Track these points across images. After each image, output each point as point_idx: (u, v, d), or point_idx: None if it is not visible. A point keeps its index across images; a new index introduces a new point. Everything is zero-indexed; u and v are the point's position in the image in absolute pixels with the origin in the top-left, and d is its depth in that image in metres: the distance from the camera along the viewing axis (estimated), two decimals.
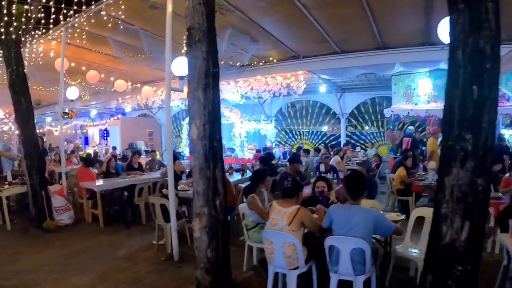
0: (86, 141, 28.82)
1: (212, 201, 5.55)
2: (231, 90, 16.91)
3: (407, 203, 10.55)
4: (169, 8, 7.43)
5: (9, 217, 10.36)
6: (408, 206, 10.35)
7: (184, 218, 8.36)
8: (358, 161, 15.61)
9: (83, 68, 14.14)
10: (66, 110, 11.72)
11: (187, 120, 21.22)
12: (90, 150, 22.99)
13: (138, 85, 16.96)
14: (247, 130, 20.03)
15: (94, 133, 27.87)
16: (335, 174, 10.72)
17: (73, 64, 13.05)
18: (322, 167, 11.25)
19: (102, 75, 14.51)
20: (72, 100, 12.55)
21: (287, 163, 12.16)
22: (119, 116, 25.30)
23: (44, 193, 10.16)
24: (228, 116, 19.87)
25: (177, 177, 10.21)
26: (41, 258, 7.96)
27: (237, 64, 14.16)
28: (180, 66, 8.31)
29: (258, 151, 16.87)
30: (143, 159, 15.54)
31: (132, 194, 10.81)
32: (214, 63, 5.55)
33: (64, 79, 14.56)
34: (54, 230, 9.87)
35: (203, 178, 5.51)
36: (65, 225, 10.31)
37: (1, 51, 10.06)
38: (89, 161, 12.11)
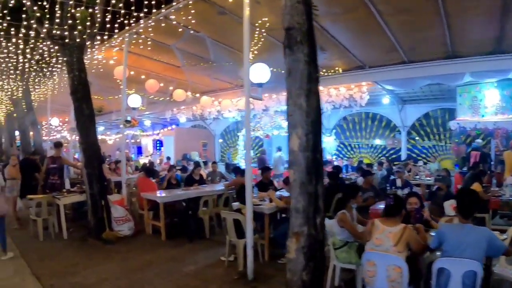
0: (139, 150, 28.91)
1: (313, 219, 4.98)
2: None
3: (483, 220, 9.70)
4: (246, 12, 6.91)
5: (66, 226, 10.02)
6: (484, 224, 9.48)
7: (256, 233, 7.72)
8: (436, 177, 14.59)
9: (143, 76, 13.80)
10: (128, 118, 11.26)
11: (243, 131, 20.81)
12: (144, 160, 22.76)
13: (198, 95, 16.55)
14: None
15: (147, 143, 27.79)
16: (409, 189, 9.95)
17: (132, 73, 12.79)
18: (399, 182, 10.61)
19: (161, 84, 14.12)
20: (134, 109, 12.14)
21: (353, 177, 11.39)
22: (173, 126, 25.03)
23: (104, 202, 9.77)
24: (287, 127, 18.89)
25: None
26: (102, 271, 7.51)
27: None
28: (257, 73, 7.86)
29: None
30: (203, 171, 14.99)
31: (195, 206, 10.28)
32: (315, 67, 5.07)
33: (122, 87, 14.51)
34: (113, 241, 9.45)
35: (304, 194, 4.94)
36: (124, 237, 9.89)
37: (64, 57, 9.78)
38: (151, 171, 11.69)
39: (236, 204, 8.21)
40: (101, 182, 9.88)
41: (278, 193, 9.17)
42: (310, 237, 4.95)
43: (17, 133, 23.31)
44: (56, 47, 10.17)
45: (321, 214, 5.06)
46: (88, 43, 9.94)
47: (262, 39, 10.57)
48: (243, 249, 7.22)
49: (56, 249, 9.00)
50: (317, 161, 4.97)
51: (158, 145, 26.71)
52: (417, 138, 19.70)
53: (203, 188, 11.32)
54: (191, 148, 24.10)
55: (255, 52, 10.88)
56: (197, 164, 13.18)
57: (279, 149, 19.50)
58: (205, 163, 16.83)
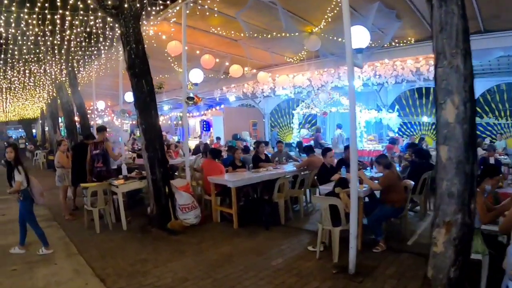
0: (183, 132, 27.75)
1: (468, 206, 4.00)
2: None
3: None
4: None
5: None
6: None
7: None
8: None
9: (197, 52, 12.75)
10: (191, 95, 10.12)
11: (298, 109, 19.70)
12: (194, 142, 21.69)
13: (254, 71, 15.59)
14: (367, 120, 17.89)
15: (195, 123, 26.84)
16: None
17: (186, 48, 11.70)
18: (492, 160, 9.64)
19: (217, 60, 13.01)
20: (196, 84, 11.08)
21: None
22: (222, 106, 24.07)
23: (167, 189, 8.79)
24: (346, 104, 17.45)
25: (328, 171, 8.57)
26: (177, 268, 6.51)
27: (374, 45, 12.21)
28: (357, 37, 6.73)
29: (391, 142, 14.90)
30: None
31: (268, 189, 9.31)
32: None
33: (172, 65, 13.50)
34: (179, 232, 8.52)
35: (461, 175, 3.97)
36: (190, 226, 8.90)
37: (119, 28, 8.71)
38: (217, 152, 10.51)
39: (324, 188, 7.38)
40: (164, 167, 8.92)
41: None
42: (464, 226, 4.04)
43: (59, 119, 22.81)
44: (109, 19, 9.34)
45: (474, 199, 4.10)
46: (144, 13, 8.89)
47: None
48: (339, 238, 6.44)
49: (117, 243, 8.10)
50: (474, 136, 4.07)
51: (205, 126, 25.69)
52: (481, 114, 18.17)
53: (276, 170, 10.24)
54: (241, 128, 23.31)
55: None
56: (259, 142, 12.09)
57: (339, 126, 18.50)
58: (266, 143, 15.57)
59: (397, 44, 12.50)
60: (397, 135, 18.66)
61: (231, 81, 17.20)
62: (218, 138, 20.32)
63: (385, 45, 12.39)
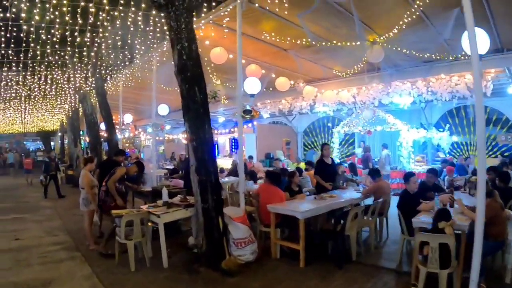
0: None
1: None
2: (400, 91, 13.74)
3: None
4: None
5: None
6: None
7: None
8: None
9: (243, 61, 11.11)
10: (248, 107, 8.38)
11: (339, 127, 18.47)
12: (223, 160, 20.10)
13: (301, 84, 14.10)
14: (415, 139, 16.33)
15: (225, 141, 25.05)
16: None
17: (231, 56, 10.15)
18: None
19: (263, 71, 11.32)
20: (252, 96, 9.41)
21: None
22: (255, 123, 22.35)
23: (221, 219, 7.05)
24: (392, 122, 16.31)
25: (413, 199, 7.06)
26: None
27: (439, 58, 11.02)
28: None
29: (450, 164, 13.47)
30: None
31: (338, 220, 7.71)
32: None
33: (210, 75, 12.07)
34: (236, 272, 6.73)
35: None
36: (246, 263, 7.11)
37: (168, 23, 7.02)
38: (277, 176, 8.69)
39: (418, 221, 6.30)
40: (218, 193, 7.16)
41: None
42: None
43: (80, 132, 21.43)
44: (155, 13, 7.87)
45: None
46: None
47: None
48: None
49: (160, 287, 6.33)
50: None
51: (233, 144, 23.97)
52: None
53: (342, 197, 8.68)
54: (273, 147, 21.50)
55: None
56: (294, 172, 9.70)
57: (385, 146, 16.84)
58: (309, 163, 13.65)
59: (460, 58, 11.04)
60: (449, 155, 17.03)
61: (266, 96, 15.78)
62: (250, 157, 18.45)
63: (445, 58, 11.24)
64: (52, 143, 44.81)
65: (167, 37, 7.77)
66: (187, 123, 6.93)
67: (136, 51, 10.72)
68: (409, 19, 8.57)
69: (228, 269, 6.72)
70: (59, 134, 34.68)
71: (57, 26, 8.99)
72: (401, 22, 8.77)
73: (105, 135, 15.41)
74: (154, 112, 12.96)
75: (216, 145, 24.26)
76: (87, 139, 22.23)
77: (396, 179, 14.81)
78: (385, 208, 8.64)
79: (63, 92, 17.15)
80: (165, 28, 7.63)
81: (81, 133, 21.99)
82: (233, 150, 23.35)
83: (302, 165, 16.65)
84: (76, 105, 18.16)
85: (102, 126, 16.28)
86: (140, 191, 10.04)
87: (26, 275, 6.77)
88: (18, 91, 16.69)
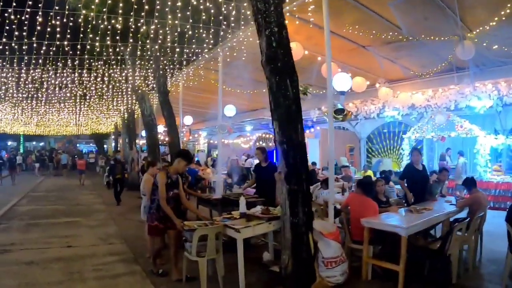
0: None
1: None
2: (481, 93, 12.43)
3: None
4: None
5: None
6: None
7: None
8: None
9: (319, 58, 10.32)
10: (339, 106, 7.21)
11: (409, 133, 17.18)
12: None
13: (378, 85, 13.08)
14: (493, 146, 14.59)
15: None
16: None
17: (306, 52, 9.07)
18: None
19: (339, 70, 10.13)
20: (342, 93, 8.30)
21: None
22: (318, 127, 21.27)
23: (311, 236, 5.85)
24: (468, 128, 14.89)
25: None
26: None
27: None
28: None
29: None
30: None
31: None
32: None
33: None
34: None
35: None
36: (335, 285, 5.96)
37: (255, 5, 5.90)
38: (370, 185, 7.43)
39: None
40: (309, 205, 5.93)
41: None
42: None
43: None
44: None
45: None
46: None
47: None
48: None
49: None
50: None
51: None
52: None
53: (438, 210, 7.49)
54: (337, 153, 19.60)
55: None
56: (377, 180, 8.57)
57: (461, 154, 15.44)
58: (389, 175, 12.34)
59: None
60: None
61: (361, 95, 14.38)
62: (313, 163, 17.23)
63: None
64: (105, 146, 44.74)
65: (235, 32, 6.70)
66: (276, 122, 5.74)
67: (204, 45, 9.74)
68: (508, 11, 7.54)
69: None
70: (113, 137, 34.51)
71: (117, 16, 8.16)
72: (498, 16, 7.78)
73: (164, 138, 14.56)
74: (221, 113, 11.78)
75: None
76: (141, 142, 21.61)
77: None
78: (481, 223, 7.36)
79: (120, 92, 16.39)
80: (249, 12, 6.63)
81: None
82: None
83: (370, 173, 15.39)
84: (133, 106, 17.36)
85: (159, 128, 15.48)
86: (207, 198, 8.93)
87: None
88: (73, 91, 16.12)
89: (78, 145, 54.05)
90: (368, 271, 6.40)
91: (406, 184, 8.61)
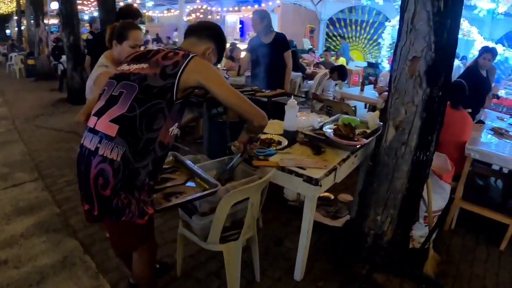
0: None
1: None
2: None
3: None
4: None
5: None
6: None
7: None
8: None
9: None
10: None
11: (394, 21, 14.36)
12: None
13: None
14: None
15: (235, 22, 20.46)
16: None
17: None
18: None
19: None
20: None
21: None
22: (277, 1, 17.92)
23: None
24: (467, 29, 13.07)
25: None
26: None
27: None
28: None
29: None
30: None
31: None
32: None
33: None
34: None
35: None
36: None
37: None
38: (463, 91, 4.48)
39: None
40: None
41: None
42: None
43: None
44: None
45: None
46: None
47: None
48: None
49: None
50: None
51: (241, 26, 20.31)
52: None
53: None
54: (295, 34, 16.49)
55: None
56: None
57: (457, 56, 12.27)
58: None
59: None
60: None
61: None
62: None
63: None
64: (8, 31, 38.05)
65: None
66: None
67: None
68: None
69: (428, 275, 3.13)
70: (15, 17, 29.00)
71: None
72: None
73: None
74: None
75: None
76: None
77: None
78: None
79: None
80: None
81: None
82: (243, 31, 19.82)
83: (342, 61, 12.78)
84: None
85: None
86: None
87: None
88: None
89: None
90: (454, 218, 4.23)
91: None
